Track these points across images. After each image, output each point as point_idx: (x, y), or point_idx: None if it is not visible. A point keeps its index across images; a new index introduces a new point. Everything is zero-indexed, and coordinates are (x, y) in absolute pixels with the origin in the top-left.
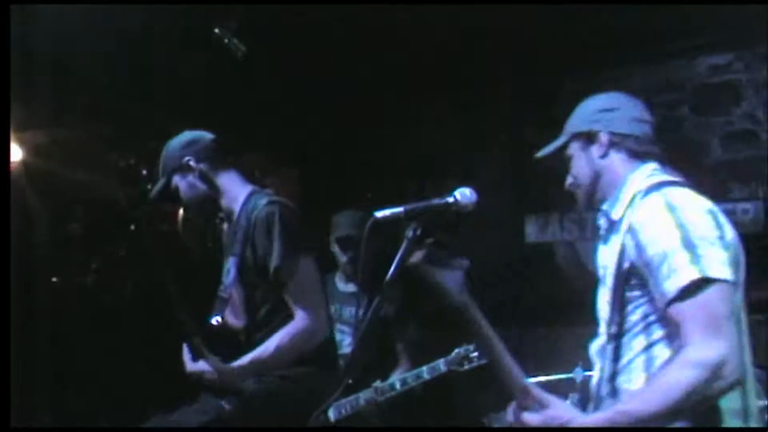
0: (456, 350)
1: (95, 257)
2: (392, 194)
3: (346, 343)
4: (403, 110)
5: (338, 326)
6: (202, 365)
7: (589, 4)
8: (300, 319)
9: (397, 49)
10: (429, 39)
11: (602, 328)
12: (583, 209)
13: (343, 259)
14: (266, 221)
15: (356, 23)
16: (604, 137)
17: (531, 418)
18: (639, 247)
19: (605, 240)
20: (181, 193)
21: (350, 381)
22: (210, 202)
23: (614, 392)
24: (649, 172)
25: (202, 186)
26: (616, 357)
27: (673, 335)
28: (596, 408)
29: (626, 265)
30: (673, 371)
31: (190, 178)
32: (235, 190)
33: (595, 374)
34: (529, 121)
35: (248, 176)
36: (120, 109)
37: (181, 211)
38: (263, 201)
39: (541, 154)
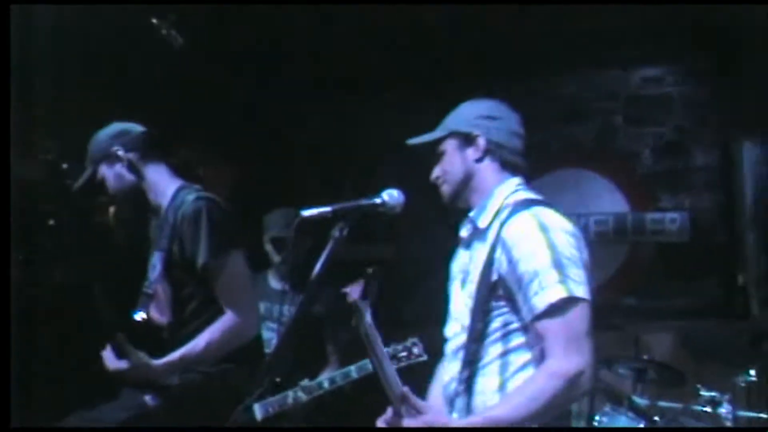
0: (384, 349)
1: (21, 250)
2: (328, 193)
3: (275, 342)
4: (341, 108)
5: (269, 324)
6: (125, 362)
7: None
8: (230, 316)
9: (337, 47)
10: (368, 36)
11: (454, 329)
12: (446, 205)
13: (276, 258)
14: (194, 217)
15: (294, 19)
16: (482, 142)
17: (409, 423)
18: (511, 263)
19: (468, 245)
20: (107, 184)
21: (278, 380)
22: (138, 194)
23: (467, 392)
24: (515, 186)
25: (129, 177)
26: (473, 360)
27: (532, 344)
28: (448, 405)
29: (494, 277)
30: (538, 381)
31: (118, 168)
32: (163, 183)
33: (445, 373)
34: None
35: (183, 171)
36: (45, 99)
37: (111, 207)
38: (191, 197)
39: (413, 141)
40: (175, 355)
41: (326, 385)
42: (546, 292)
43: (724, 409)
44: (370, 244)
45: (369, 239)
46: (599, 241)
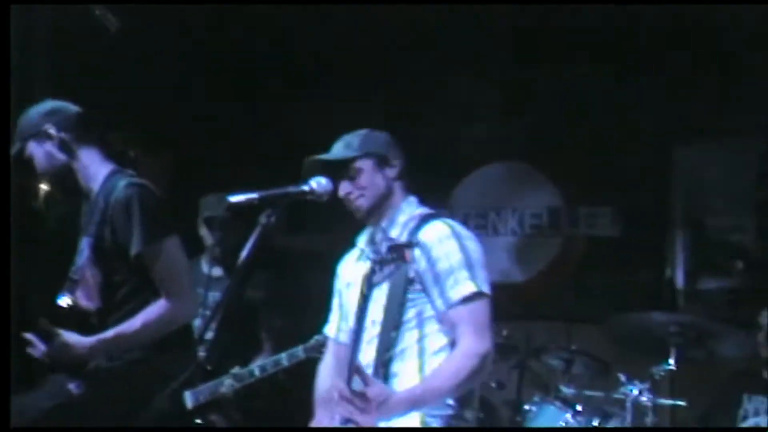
0: (315, 337)
1: None
2: (264, 180)
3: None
4: (280, 97)
5: (201, 311)
6: (52, 344)
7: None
8: (167, 300)
9: (277, 39)
10: (310, 28)
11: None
12: (361, 217)
13: (210, 241)
14: (125, 204)
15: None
16: (396, 163)
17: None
18: (430, 261)
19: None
20: (35, 162)
21: (209, 367)
22: (68, 175)
23: (385, 376)
24: (416, 203)
25: (60, 157)
26: (390, 347)
27: (445, 331)
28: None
29: (411, 274)
30: (457, 359)
31: (48, 146)
32: (94, 167)
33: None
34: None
35: (116, 156)
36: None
37: (42, 186)
38: (122, 182)
39: (327, 157)
40: (108, 333)
41: (257, 372)
42: (460, 286)
43: (645, 398)
44: (307, 233)
45: (304, 229)
46: (533, 234)
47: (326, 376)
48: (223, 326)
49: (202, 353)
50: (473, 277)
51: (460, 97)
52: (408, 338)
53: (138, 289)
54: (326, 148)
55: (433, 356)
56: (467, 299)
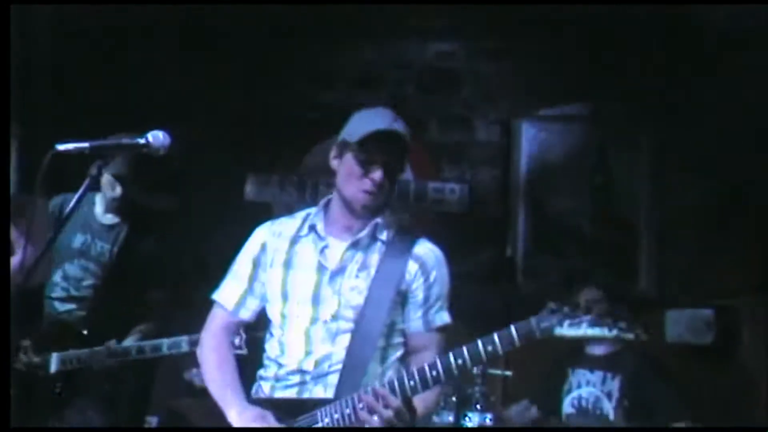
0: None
1: None
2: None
3: (86, 283)
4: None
5: (82, 262)
6: None
7: None
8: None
9: None
10: None
11: (309, 312)
12: (364, 213)
13: (111, 194)
14: None
15: None
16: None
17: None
18: (426, 282)
19: (356, 246)
20: None
21: (85, 332)
22: None
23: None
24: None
25: None
26: (358, 346)
27: (401, 345)
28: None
29: (403, 286)
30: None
31: None
32: None
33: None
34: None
35: None
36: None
37: None
38: None
39: (400, 132)
40: None
41: (133, 353)
42: (443, 313)
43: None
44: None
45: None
46: None
47: (221, 347)
48: (107, 286)
49: (79, 312)
50: (448, 309)
51: (321, 63)
52: (376, 344)
53: None
54: None
55: (389, 366)
56: (442, 328)
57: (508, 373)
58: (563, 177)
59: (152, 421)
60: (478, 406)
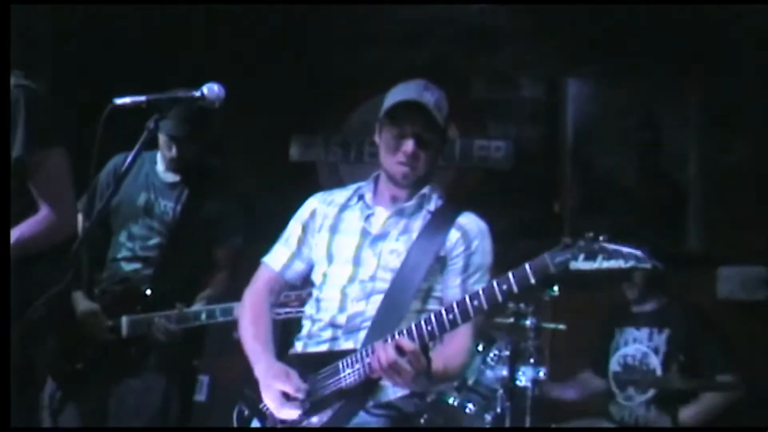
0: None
1: None
2: None
3: (151, 242)
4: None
5: (147, 221)
6: None
7: None
8: (45, 213)
9: None
10: None
11: (350, 273)
12: (403, 183)
13: (168, 154)
14: (11, 106)
15: None
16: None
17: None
18: (468, 250)
19: (401, 213)
20: None
21: (148, 292)
22: None
23: (378, 330)
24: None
25: None
26: (393, 307)
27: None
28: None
29: (442, 252)
30: (462, 352)
31: None
32: None
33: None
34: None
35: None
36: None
37: None
38: (10, 82)
39: (426, 105)
40: None
41: (203, 317)
42: (482, 285)
43: (528, 321)
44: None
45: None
46: None
47: (260, 306)
48: (172, 245)
49: (146, 271)
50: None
51: (363, 23)
52: (411, 306)
53: (15, 199)
54: None
55: None
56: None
57: (562, 326)
58: (610, 134)
59: (204, 380)
60: (532, 360)
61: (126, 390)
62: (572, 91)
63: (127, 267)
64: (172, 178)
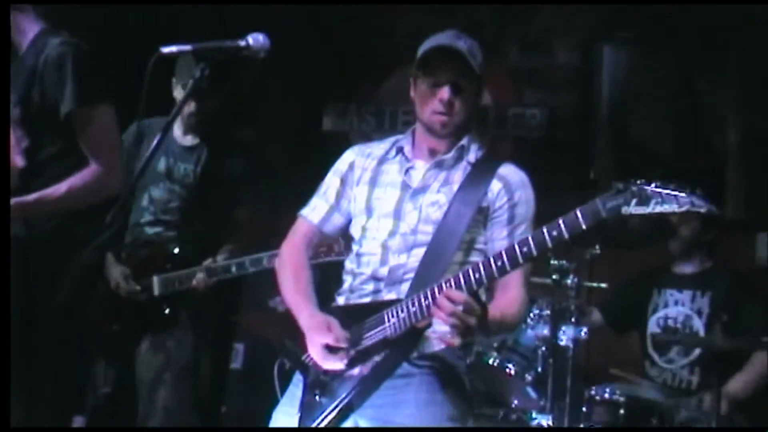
0: None
1: None
2: None
3: (173, 205)
4: None
5: (167, 185)
6: None
7: None
8: (95, 168)
9: None
10: None
11: (391, 227)
12: (442, 134)
13: (187, 109)
14: (58, 62)
15: None
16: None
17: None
18: (510, 200)
19: (440, 166)
20: None
21: (175, 251)
22: None
23: (421, 280)
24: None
25: None
26: (435, 256)
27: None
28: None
29: (485, 203)
30: (517, 302)
31: None
32: (24, 24)
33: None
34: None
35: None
36: None
37: None
38: (56, 41)
39: (461, 50)
40: (30, 196)
41: (234, 269)
42: (523, 232)
43: (569, 280)
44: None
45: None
46: None
47: (300, 259)
48: (193, 207)
49: (169, 233)
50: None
51: None
52: (454, 258)
53: (64, 154)
54: None
55: None
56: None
57: (604, 285)
58: (646, 101)
59: (239, 348)
60: (573, 320)
61: (158, 345)
62: (608, 58)
63: (150, 231)
64: (190, 141)
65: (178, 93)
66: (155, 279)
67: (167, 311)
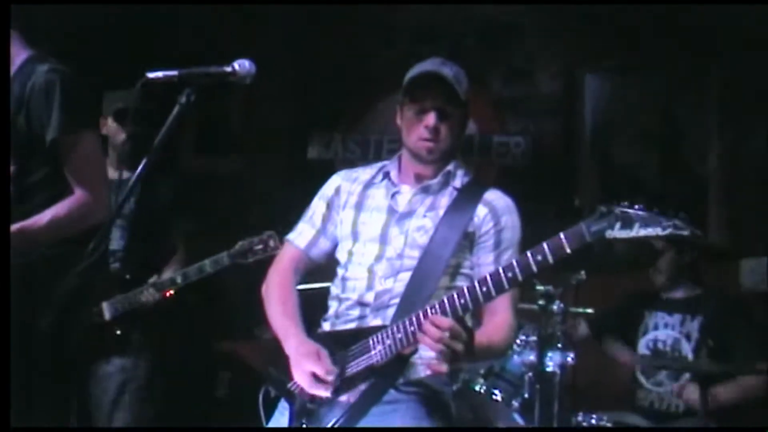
0: (240, 242)
1: None
2: None
3: (118, 236)
4: None
5: (117, 222)
6: None
7: None
8: (80, 195)
9: None
10: None
11: (377, 251)
12: (429, 160)
13: (120, 137)
14: (45, 89)
15: None
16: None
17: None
18: (497, 226)
19: (426, 191)
20: None
21: (128, 276)
22: None
23: (406, 307)
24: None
25: None
26: (421, 281)
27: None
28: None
29: (471, 228)
30: (504, 328)
31: None
32: (11, 50)
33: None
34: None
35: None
36: None
37: None
38: (43, 68)
39: (447, 77)
40: (13, 227)
41: (179, 280)
42: (512, 255)
43: (555, 306)
44: (218, 156)
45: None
46: None
47: (287, 284)
48: (135, 232)
49: (115, 264)
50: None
51: (377, 23)
52: (439, 283)
53: (51, 180)
54: None
55: None
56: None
57: (590, 310)
58: (628, 128)
59: (224, 376)
60: (560, 345)
61: (113, 368)
62: (590, 87)
63: None
64: (125, 174)
65: (111, 128)
66: (104, 305)
67: (118, 333)
